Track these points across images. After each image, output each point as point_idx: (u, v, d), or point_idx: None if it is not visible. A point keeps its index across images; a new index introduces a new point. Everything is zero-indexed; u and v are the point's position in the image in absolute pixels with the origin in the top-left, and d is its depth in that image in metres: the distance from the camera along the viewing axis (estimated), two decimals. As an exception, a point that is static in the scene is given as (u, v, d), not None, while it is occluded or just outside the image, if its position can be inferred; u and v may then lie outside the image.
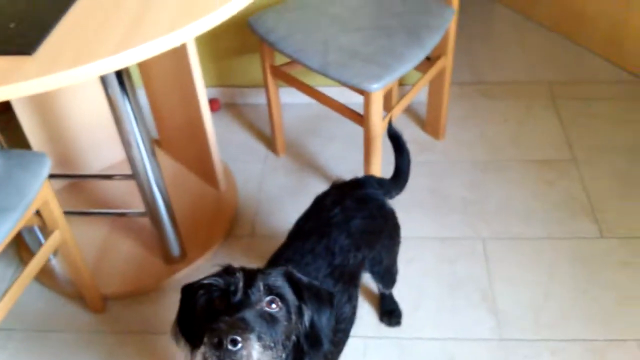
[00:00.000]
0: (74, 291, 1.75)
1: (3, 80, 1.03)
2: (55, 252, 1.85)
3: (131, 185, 1.99)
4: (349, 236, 1.24)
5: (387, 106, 1.91)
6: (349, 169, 2.03)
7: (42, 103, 1.89)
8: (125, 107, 1.46)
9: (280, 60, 1.93)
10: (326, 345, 0.97)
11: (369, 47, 1.65)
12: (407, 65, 1.62)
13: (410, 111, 2.29)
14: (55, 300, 1.77)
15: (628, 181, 1.97)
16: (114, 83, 1.40)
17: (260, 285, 0.89)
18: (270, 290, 0.90)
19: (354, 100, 1.80)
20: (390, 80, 1.58)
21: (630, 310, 1.62)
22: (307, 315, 0.94)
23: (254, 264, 1.80)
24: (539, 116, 2.25)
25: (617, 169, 2.01)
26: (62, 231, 1.53)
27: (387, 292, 1.59)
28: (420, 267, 1.77)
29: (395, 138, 1.52)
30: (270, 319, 0.88)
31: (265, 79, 1.97)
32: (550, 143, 2.13)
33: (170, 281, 1.77)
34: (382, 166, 1.81)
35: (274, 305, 0.90)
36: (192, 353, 0.96)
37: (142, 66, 1.99)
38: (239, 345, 0.81)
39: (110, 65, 1.07)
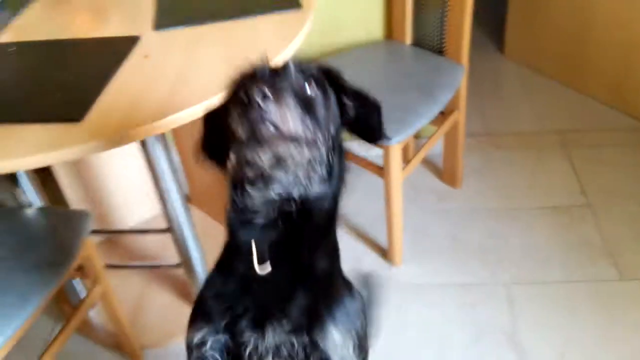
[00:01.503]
0: (112, 341, 1.82)
1: (57, 146, 1.12)
2: (94, 305, 1.93)
3: (164, 239, 2.09)
4: None
5: (405, 158, 2.01)
6: (370, 219, 2.12)
7: (80, 163, 2.01)
8: (162, 166, 1.56)
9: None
10: (383, 133, 0.86)
11: (387, 104, 1.74)
12: (423, 120, 1.72)
13: (427, 162, 2.39)
14: (94, 350, 1.83)
15: (642, 224, 2.03)
16: (153, 145, 1.51)
17: (291, 66, 0.75)
18: (305, 73, 0.76)
19: (372, 154, 1.90)
20: (407, 134, 1.68)
21: (653, 350, 1.65)
22: (351, 109, 0.83)
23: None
24: (551, 164, 2.33)
25: (630, 213, 2.07)
26: (103, 285, 1.61)
27: None
28: (442, 313, 1.82)
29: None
30: (306, 101, 0.74)
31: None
32: (563, 189, 2.21)
33: (203, 331, 1.84)
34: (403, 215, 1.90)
35: (310, 87, 0.76)
36: (221, 169, 0.85)
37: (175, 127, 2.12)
38: (274, 103, 0.68)
39: (151, 130, 1.16)
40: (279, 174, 0.75)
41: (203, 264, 1.78)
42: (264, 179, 0.75)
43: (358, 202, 2.24)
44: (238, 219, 0.82)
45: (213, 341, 0.87)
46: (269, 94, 0.67)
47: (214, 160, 0.88)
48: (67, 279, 1.50)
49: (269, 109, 0.68)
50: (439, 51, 2.09)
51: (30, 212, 1.58)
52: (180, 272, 1.85)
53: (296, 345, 0.84)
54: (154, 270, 2.01)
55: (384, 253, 2.01)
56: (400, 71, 1.95)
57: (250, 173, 0.75)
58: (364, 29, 2.15)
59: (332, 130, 0.79)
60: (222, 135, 0.77)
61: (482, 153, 2.42)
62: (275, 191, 0.77)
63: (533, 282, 1.87)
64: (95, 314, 1.92)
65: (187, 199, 2.25)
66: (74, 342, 1.85)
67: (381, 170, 1.81)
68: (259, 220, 0.80)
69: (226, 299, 0.85)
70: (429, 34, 2.12)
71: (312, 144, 0.73)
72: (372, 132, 0.88)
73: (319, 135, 0.74)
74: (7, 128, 1.17)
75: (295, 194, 0.77)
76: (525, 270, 1.91)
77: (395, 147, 1.70)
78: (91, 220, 1.54)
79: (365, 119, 0.85)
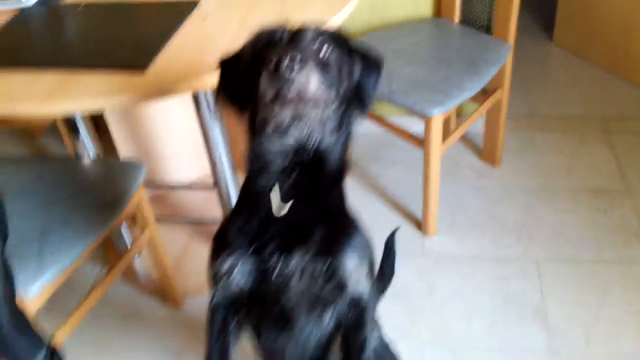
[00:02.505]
0: (155, 287, 1.94)
1: (123, 91, 1.22)
2: (140, 252, 2.05)
3: (207, 198, 2.20)
4: None
5: (446, 133, 2.04)
6: (408, 192, 2.17)
7: (134, 120, 2.13)
8: (214, 123, 1.65)
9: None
10: (370, 106, 0.92)
11: (431, 77, 1.81)
12: (466, 94, 1.76)
13: (468, 141, 2.42)
14: (137, 294, 1.95)
15: (681, 212, 2.03)
16: (205, 99, 1.60)
17: (310, 32, 0.83)
18: (320, 37, 0.84)
19: (413, 130, 1.95)
20: (450, 106, 1.73)
21: (681, 332, 1.67)
22: (356, 71, 0.89)
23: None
24: (592, 149, 2.33)
25: (670, 200, 2.08)
26: (151, 231, 1.72)
27: None
28: (474, 284, 1.86)
29: (388, 247, 1.48)
30: (322, 64, 0.82)
31: (333, 106, 2.14)
32: (603, 174, 2.21)
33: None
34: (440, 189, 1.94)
35: (325, 49, 0.83)
36: (240, 114, 0.92)
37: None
38: (297, 67, 0.75)
39: (206, 83, 1.25)
40: (296, 128, 0.83)
41: (245, 220, 1.87)
42: (282, 131, 0.84)
43: (397, 175, 2.29)
44: (256, 165, 0.90)
45: (239, 269, 0.95)
46: (294, 60, 0.75)
47: (233, 105, 0.93)
48: (119, 222, 1.60)
49: (293, 75, 0.76)
50: (487, 30, 2.11)
51: (88, 162, 1.69)
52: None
53: (317, 269, 0.92)
54: (198, 226, 2.12)
55: (419, 224, 2.06)
56: (446, 46, 1.99)
57: (269, 126, 0.83)
58: (412, 6, 2.18)
59: (344, 88, 0.87)
60: (241, 84, 0.85)
61: (523, 134, 2.44)
62: (291, 142, 0.86)
63: (565, 260, 1.90)
64: (140, 264, 2.04)
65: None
66: (118, 288, 1.97)
67: (421, 143, 1.85)
68: (276, 167, 0.88)
69: (249, 232, 0.92)
70: (477, 13, 2.15)
71: (326, 103, 0.82)
72: (364, 100, 0.92)
73: (333, 94, 0.83)
74: (77, 73, 1.27)
75: (309, 144, 0.86)
76: (558, 249, 1.94)
77: (437, 119, 1.75)
78: (144, 171, 1.64)
79: (364, 79, 0.91)
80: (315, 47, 0.83)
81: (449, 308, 1.80)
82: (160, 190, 2.28)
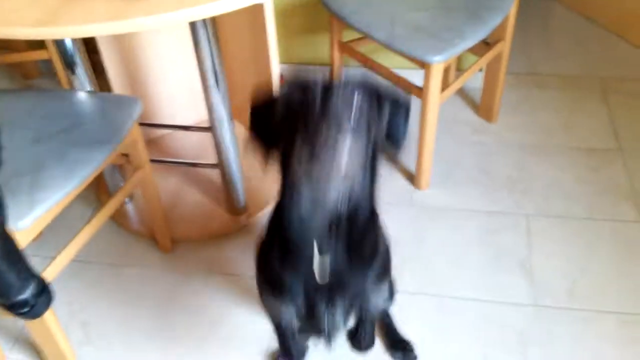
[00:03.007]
0: (145, 232, 1.94)
1: (120, 16, 1.18)
2: (131, 197, 2.05)
3: (201, 143, 2.18)
4: None
5: (445, 85, 2.02)
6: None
7: (129, 57, 2.09)
8: (211, 61, 1.62)
9: (346, 38, 2.07)
10: (402, 143, 0.99)
11: (433, 23, 1.79)
12: (468, 42, 1.74)
13: (466, 96, 2.40)
14: (128, 238, 1.96)
15: (673, 173, 2.04)
16: (202, 34, 1.57)
17: (339, 86, 0.87)
18: (351, 89, 0.87)
19: (413, 80, 1.93)
20: (451, 54, 1.71)
21: (664, 289, 1.70)
22: (386, 116, 0.94)
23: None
24: (589, 108, 2.33)
25: (662, 161, 2.09)
26: (145, 171, 1.71)
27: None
28: (463, 236, 1.88)
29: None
30: (353, 121, 0.86)
31: (332, 55, 2.11)
32: (598, 133, 2.22)
33: (233, 230, 1.94)
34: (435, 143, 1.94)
35: (356, 106, 0.87)
36: (267, 153, 0.98)
37: (221, 35, 2.17)
38: (329, 139, 0.81)
39: (205, 11, 1.22)
40: (329, 184, 0.86)
41: (238, 166, 1.86)
42: (316, 187, 0.88)
43: (392, 127, 2.28)
44: (292, 215, 0.95)
45: (289, 312, 1.12)
46: (327, 129, 0.79)
47: (264, 148, 0.98)
48: (112, 159, 1.59)
49: (327, 143, 0.80)
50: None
51: (83, 94, 1.66)
52: (216, 173, 1.94)
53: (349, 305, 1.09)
54: (192, 169, 2.11)
55: (412, 177, 2.07)
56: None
57: (304, 182, 0.88)
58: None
59: (374, 139, 0.91)
60: (273, 134, 0.91)
61: (522, 91, 2.43)
62: (327, 197, 0.89)
63: (555, 216, 1.92)
64: (132, 208, 2.04)
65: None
66: (110, 230, 1.98)
67: (420, 91, 1.84)
68: (315, 221, 0.94)
69: (295, 284, 1.03)
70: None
71: (358, 159, 0.86)
72: (397, 133, 0.98)
73: (364, 148, 0.87)
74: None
75: (345, 196, 0.90)
76: (549, 204, 1.96)
77: (437, 67, 1.73)
78: (141, 105, 1.61)
79: (394, 121, 0.96)
80: (347, 105, 0.85)
81: (436, 258, 1.82)
82: (155, 130, 2.26)
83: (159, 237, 1.89)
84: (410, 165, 2.08)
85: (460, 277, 1.77)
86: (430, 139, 1.92)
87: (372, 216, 1.01)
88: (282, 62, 2.54)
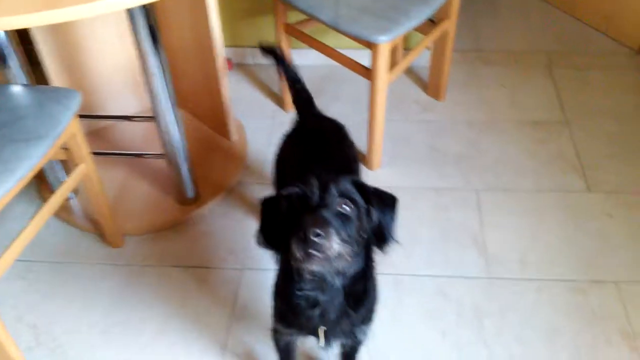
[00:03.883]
0: (92, 227, 1.88)
1: (54, 5, 1.14)
2: (76, 192, 1.98)
3: (147, 132, 2.12)
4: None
5: (392, 64, 2.02)
6: (352, 125, 2.14)
7: (68, 48, 2.01)
8: (151, 48, 1.57)
9: (292, 19, 2.04)
10: (391, 241, 1.10)
11: (378, 3, 1.77)
12: (414, 21, 1.73)
13: (413, 75, 2.41)
14: (74, 235, 1.89)
15: (616, 142, 2.10)
16: (142, 22, 1.51)
17: (334, 190, 0.99)
18: (342, 193, 1.00)
19: (362, 60, 1.91)
20: (397, 33, 1.70)
21: (611, 255, 1.75)
22: (374, 215, 1.06)
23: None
24: (535, 82, 2.37)
25: (606, 131, 2.14)
26: (87, 165, 1.65)
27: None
28: (415, 214, 1.89)
29: (270, 51, 1.69)
30: (344, 218, 0.99)
31: (278, 37, 2.08)
32: (544, 106, 2.26)
33: (184, 220, 1.90)
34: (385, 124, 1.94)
35: (346, 206, 1.00)
36: (276, 254, 1.14)
37: (162, 22, 2.10)
38: (322, 237, 0.92)
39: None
40: (324, 271, 1.04)
41: (185, 155, 1.82)
42: (315, 277, 1.06)
43: (342, 109, 2.27)
44: (292, 292, 1.11)
45: (295, 336, 1.31)
46: (319, 232, 0.92)
47: (270, 244, 1.11)
48: (52, 154, 1.53)
49: (319, 243, 0.93)
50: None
51: (17, 88, 1.59)
52: (163, 163, 1.89)
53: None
54: (138, 160, 2.05)
55: (363, 157, 2.06)
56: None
57: (302, 271, 1.05)
58: None
59: (363, 233, 1.04)
60: (278, 229, 1.04)
61: (469, 68, 2.44)
62: (321, 278, 1.07)
63: (504, 190, 1.95)
64: (77, 203, 1.97)
65: (173, 95, 2.27)
66: (55, 227, 1.91)
67: (368, 72, 1.83)
68: (311, 292, 1.10)
69: (304, 317, 1.16)
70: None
71: (348, 251, 0.98)
72: (385, 237, 1.10)
73: (354, 243, 1.00)
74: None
75: (337, 277, 1.07)
76: (498, 179, 1.99)
77: (384, 47, 1.72)
78: (79, 98, 1.55)
79: (382, 219, 1.08)
80: (339, 205, 0.99)
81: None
82: (97, 122, 2.19)
83: (106, 232, 1.83)
84: (362, 145, 2.08)
85: (415, 255, 1.78)
86: (380, 120, 1.92)
87: (367, 273, 1.15)
88: (228, 45, 2.49)
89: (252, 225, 1.88)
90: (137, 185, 2.00)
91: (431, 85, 2.30)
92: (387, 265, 1.75)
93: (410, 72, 2.42)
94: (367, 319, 1.23)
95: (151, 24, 1.52)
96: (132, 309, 1.68)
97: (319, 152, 1.44)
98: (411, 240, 1.82)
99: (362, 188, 1.06)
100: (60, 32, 1.96)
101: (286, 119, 2.25)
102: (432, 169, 2.03)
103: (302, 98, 1.67)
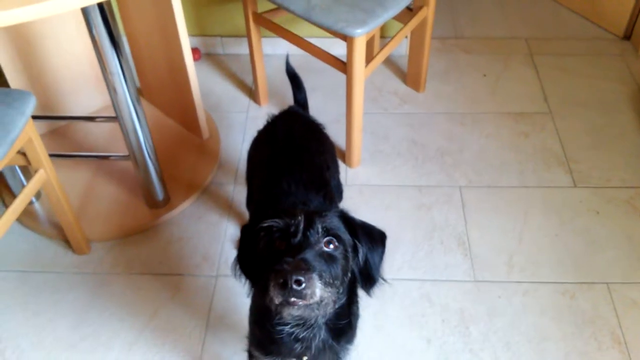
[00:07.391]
0: (57, 233, 1.77)
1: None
2: (38, 196, 1.86)
3: (113, 130, 2.00)
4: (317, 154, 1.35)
5: (369, 56, 1.92)
6: (330, 119, 2.06)
7: (24, 46, 1.87)
8: (110, 46, 1.46)
9: (262, 8, 1.93)
10: (378, 281, 1.01)
11: (353, -6, 1.67)
12: (390, 12, 1.64)
13: (392, 65, 2.32)
14: (38, 242, 1.78)
15: (601, 133, 2.04)
16: (98, 20, 1.40)
17: (319, 227, 0.91)
18: (328, 231, 0.92)
19: (335, 53, 1.81)
20: (373, 25, 1.60)
21: (599, 255, 1.69)
22: (361, 253, 0.98)
23: (237, 210, 1.83)
24: (517, 71, 2.30)
25: (590, 122, 2.08)
26: (47, 170, 1.53)
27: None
28: (397, 214, 1.82)
29: (292, 75, 1.63)
30: (328, 258, 0.91)
31: (248, 27, 1.97)
32: (526, 96, 2.19)
33: (154, 225, 1.80)
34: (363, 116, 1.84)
35: (331, 245, 0.92)
36: (251, 287, 1.04)
37: (124, 14, 1.98)
38: (303, 284, 0.84)
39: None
40: (305, 314, 0.94)
41: (152, 156, 1.71)
42: (294, 318, 0.98)
43: (319, 102, 2.18)
44: (271, 324, 1.03)
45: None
46: (300, 279, 0.84)
47: (248, 275, 1.02)
48: (8, 163, 1.42)
49: (299, 291, 0.84)
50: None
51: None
52: (129, 165, 1.78)
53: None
54: (102, 162, 1.93)
55: (342, 155, 1.97)
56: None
57: (282, 315, 0.94)
58: None
59: (349, 271, 0.96)
60: (255, 262, 0.96)
61: (449, 57, 2.36)
62: (302, 320, 1.00)
63: (488, 186, 1.88)
64: (40, 207, 1.85)
65: (139, 93, 2.14)
66: (18, 234, 1.80)
67: (344, 66, 1.73)
68: (291, 329, 1.02)
69: (285, 348, 1.08)
70: None
71: (332, 295, 0.90)
72: (372, 277, 1.01)
73: (339, 286, 0.92)
74: None
75: (319, 318, 1.01)
76: (482, 175, 1.92)
77: (360, 40, 1.62)
78: (34, 100, 1.43)
79: (370, 257, 1.00)
80: (325, 244, 0.91)
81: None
82: (58, 123, 2.06)
83: (71, 239, 1.72)
84: (340, 143, 1.99)
85: (398, 258, 1.70)
86: (359, 116, 1.82)
87: (351, 308, 1.09)
88: (194, 34, 2.37)
89: (226, 228, 1.79)
90: (103, 187, 1.88)
91: (410, 76, 2.22)
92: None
93: (388, 61, 2.33)
94: (350, 338, 1.15)
95: (108, 21, 1.40)
96: (100, 322, 1.58)
97: (293, 150, 1.34)
98: (393, 241, 1.74)
99: (350, 222, 0.98)
100: (14, 30, 1.83)
101: (261, 113, 2.15)
102: (413, 166, 1.95)
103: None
